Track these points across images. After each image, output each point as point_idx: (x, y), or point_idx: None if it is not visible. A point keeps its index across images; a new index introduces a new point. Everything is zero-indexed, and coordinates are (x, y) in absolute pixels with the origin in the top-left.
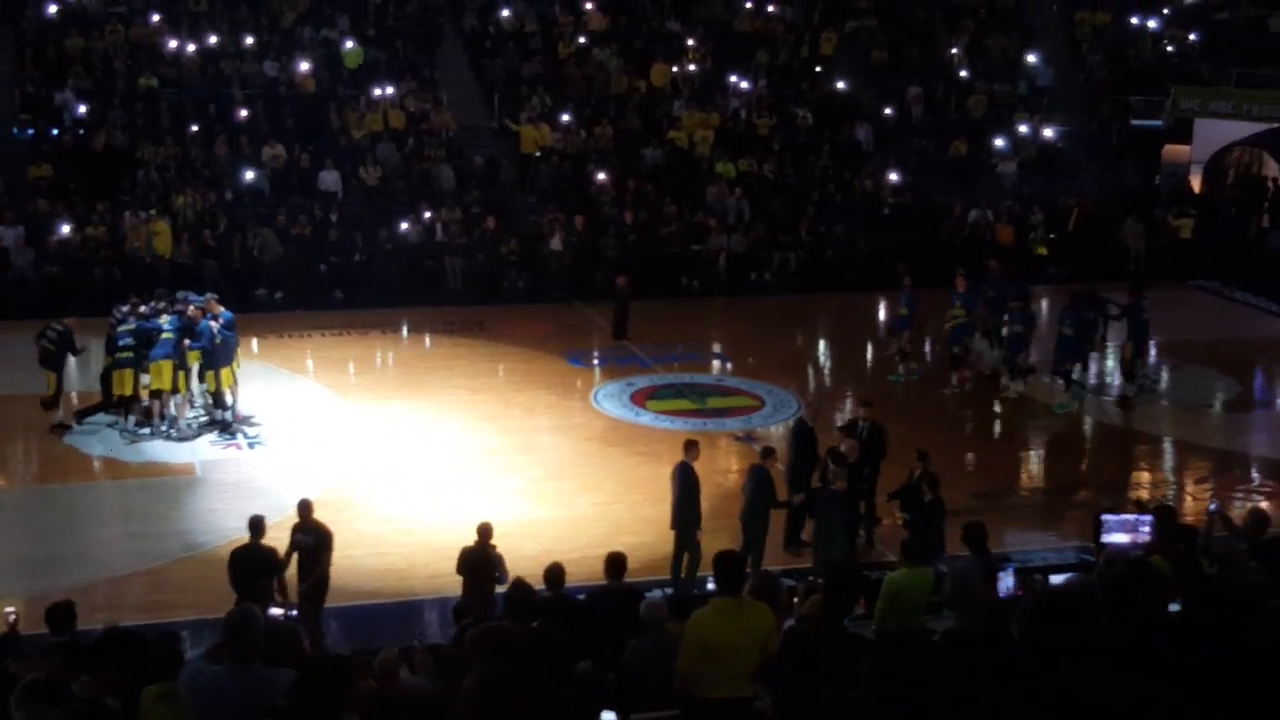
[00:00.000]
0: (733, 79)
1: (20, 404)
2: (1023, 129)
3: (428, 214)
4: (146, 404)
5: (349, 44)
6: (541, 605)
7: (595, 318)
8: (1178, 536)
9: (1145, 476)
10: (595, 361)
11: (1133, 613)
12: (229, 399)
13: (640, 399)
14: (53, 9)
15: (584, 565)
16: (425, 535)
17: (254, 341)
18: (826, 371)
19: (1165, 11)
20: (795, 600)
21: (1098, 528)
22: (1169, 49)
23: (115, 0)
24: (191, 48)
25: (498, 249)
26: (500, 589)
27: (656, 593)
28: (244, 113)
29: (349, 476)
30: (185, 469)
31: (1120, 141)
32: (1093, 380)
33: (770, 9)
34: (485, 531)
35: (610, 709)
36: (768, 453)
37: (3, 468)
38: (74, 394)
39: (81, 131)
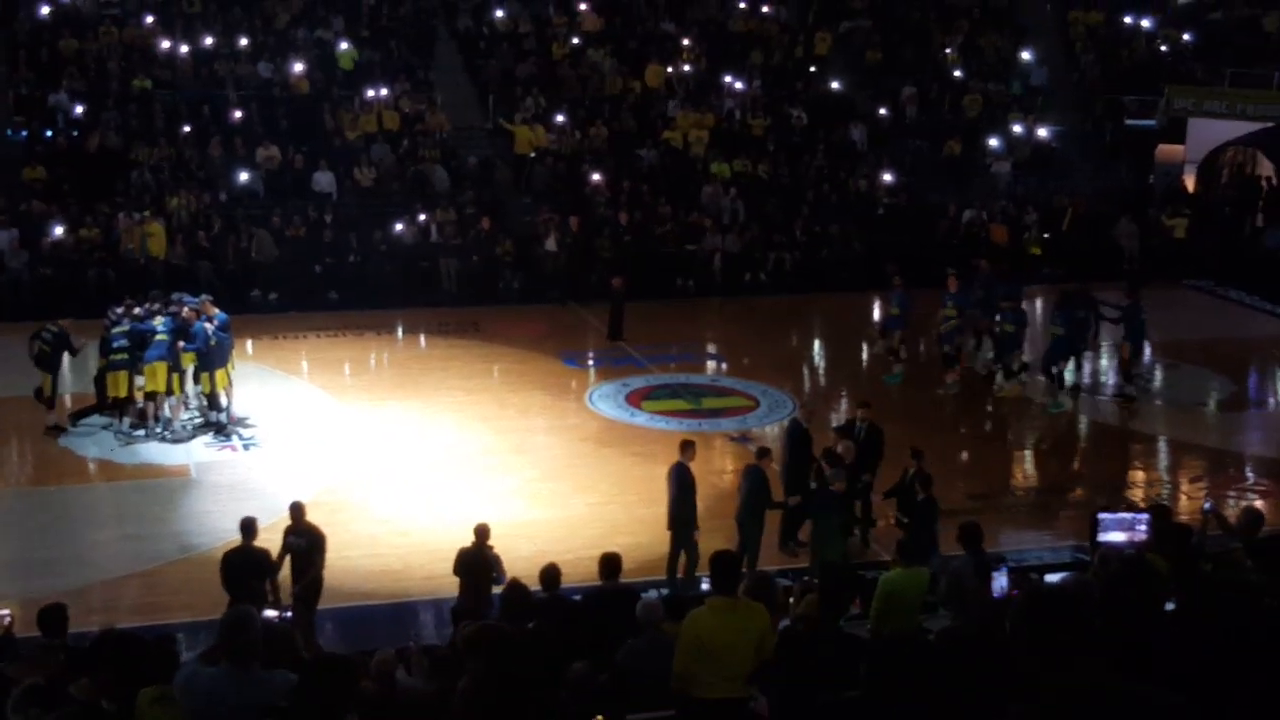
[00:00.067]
0: (727, 79)
1: (15, 406)
2: (1017, 129)
3: (422, 215)
4: (141, 406)
5: (344, 45)
6: (537, 606)
7: (590, 318)
8: (1172, 535)
9: (1140, 476)
10: (590, 362)
11: (1130, 611)
12: (224, 401)
13: (635, 399)
14: (45, 10)
15: (579, 566)
16: (420, 536)
17: (249, 343)
18: (821, 372)
19: (1159, 11)
20: (791, 600)
21: (1095, 526)
22: (1163, 48)
23: (109, 2)
24: (185, 49)
25: (492, 250)
26: (497, 590)
27: (652, 593)
28: (238, 114)
29: (344, 478)
30: (180, 471)
31: (1114, 141)
32: (1087, 380)
33: (765, 9)
34: (482, 532)
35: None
36: (763, 453)
37: None
38: (67, 396)
39: (75, 133)
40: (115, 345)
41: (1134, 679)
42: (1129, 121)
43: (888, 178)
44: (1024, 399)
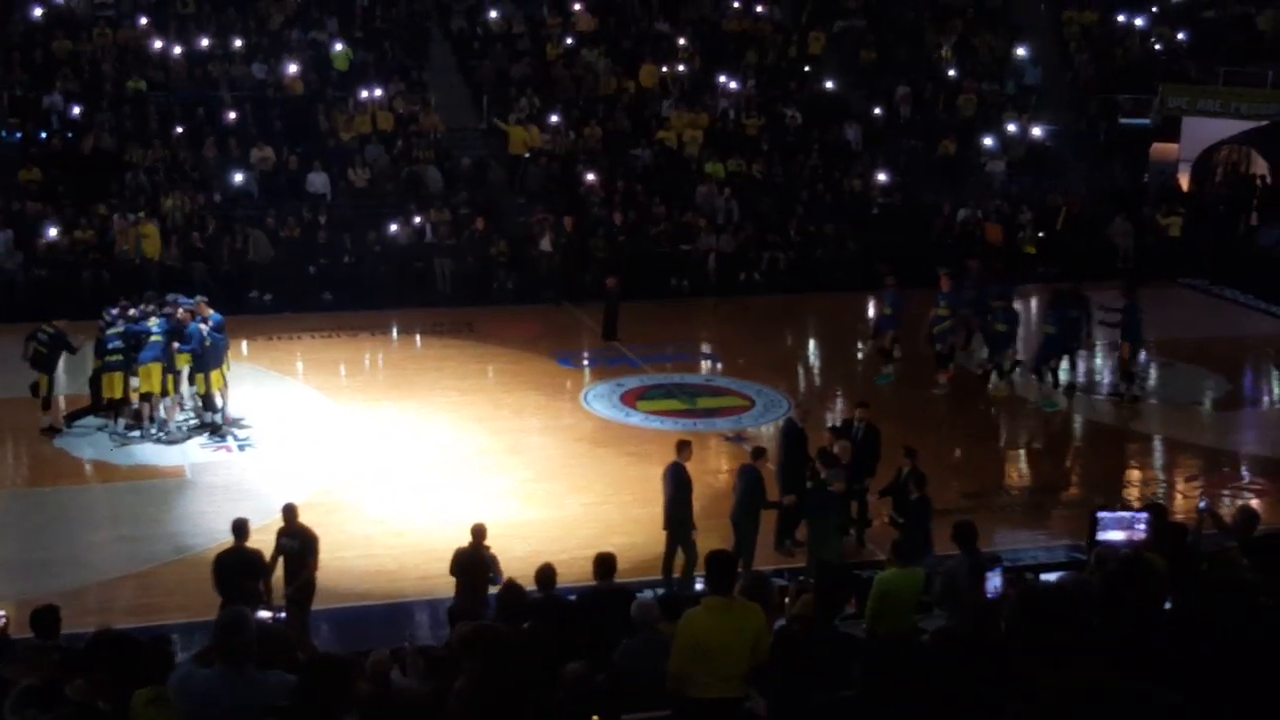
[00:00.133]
0: (721, 79)
1: (11, 408)
2: (1011, 128)
3: (417, 218)
4: (136, 407)
5: (338, 46)
6: (533, 606)
7: (585, 318)
8: (1168, 534)
9: (1135, 475)
10: (585, 362)
11: (1129, 610)
12: (219, 401)
13: (630, 399)
14: (39, 12)
15: (574, 566)
16: (415, 537)
17: (244, 344)
18: (816, 371)
19: (1153, 9)
20: (786, 601)
21: (1093, 525)
22: (1157, 47)
23: (103, 3)
24: (179, 50)
25: (487, 250)
26: (494, 590)
27: (648, 593)
28: (232, 115)
29: (339, 478)
30: (175, 472)
31: (1108, 140)
32: (1081, 378)
33: (759, 9)
34: (479, 533)
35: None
36: (758, 453)
37: None
38: (61, 398)
39: (70, 135)
40: (110, 347)
41: (1132, 678)
42: (1123, 120)
43: (882, 177)
44: (1018, 398)
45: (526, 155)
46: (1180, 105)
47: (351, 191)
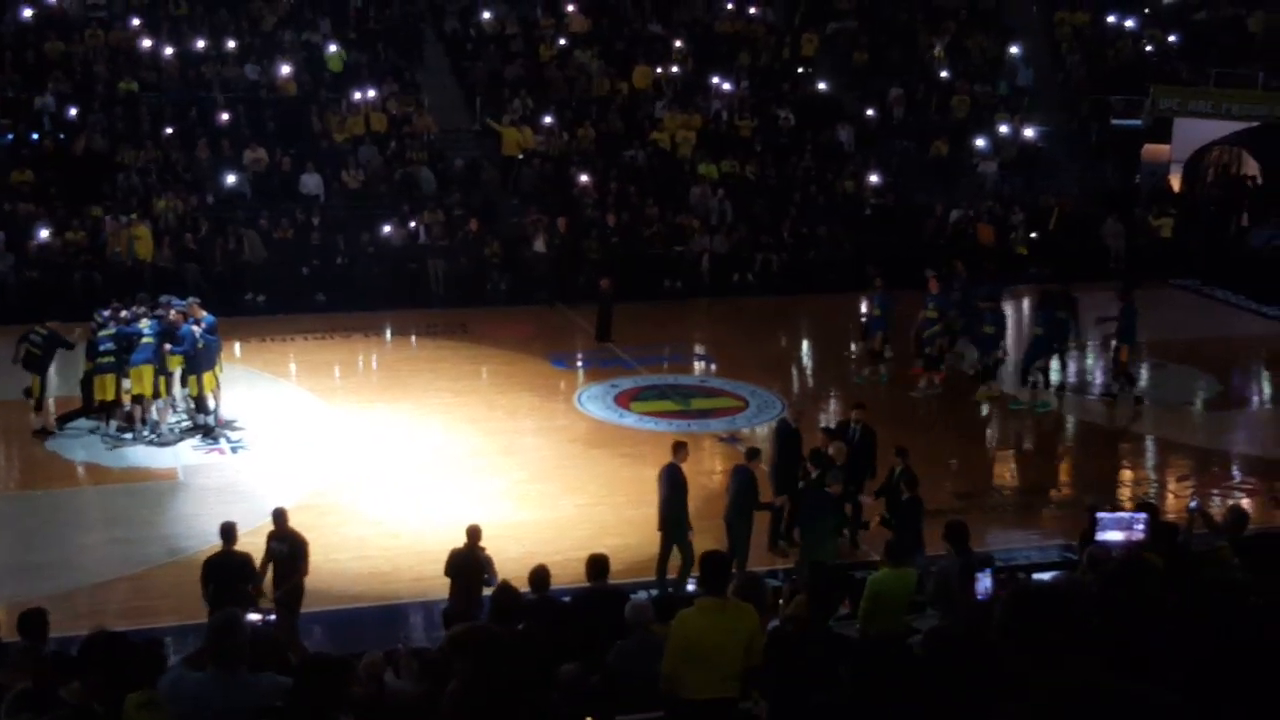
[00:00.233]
0: (714, 80)
1: (3, 410)
2: (1003, 129)
3: (412, 223)
4: (128, 409)
5: (332, 47)
6: (527, 608)
7: (578, 320)
8: (1161, 534)
9: (1127, 474)
10: (579, 363)
11: (1128, 610)
12: (211, 403)
13: (624, 400)
14: (28, 13)
15: (568, 567)
16: (409, 538)
17: (236, 345)
18: (809, 372)
19: (1145, 11)
20: (780, 601)
21: (1092, 525)
22: (1148, 49)
23: (95, 4)
24: (171, 51)
25: (480, 251)
26: (488, 592)
27: (642, 594)
28: (225, 116)
29: (332, 480)
30: (168, 474)
31: (1100, 141)
32: (1072, 379)
33: (752, 11)
34: (474, 533)
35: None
36: (752, 453)
37: None
38: (52, 400)
39: (62, 136)
40: (102, 349)
41: (1125, 677)
42: (1115, 121)
43: (875, 178)
44: (1009, 399)
45: (520, 156)
46: (1172, 106)
47: (345, 193)
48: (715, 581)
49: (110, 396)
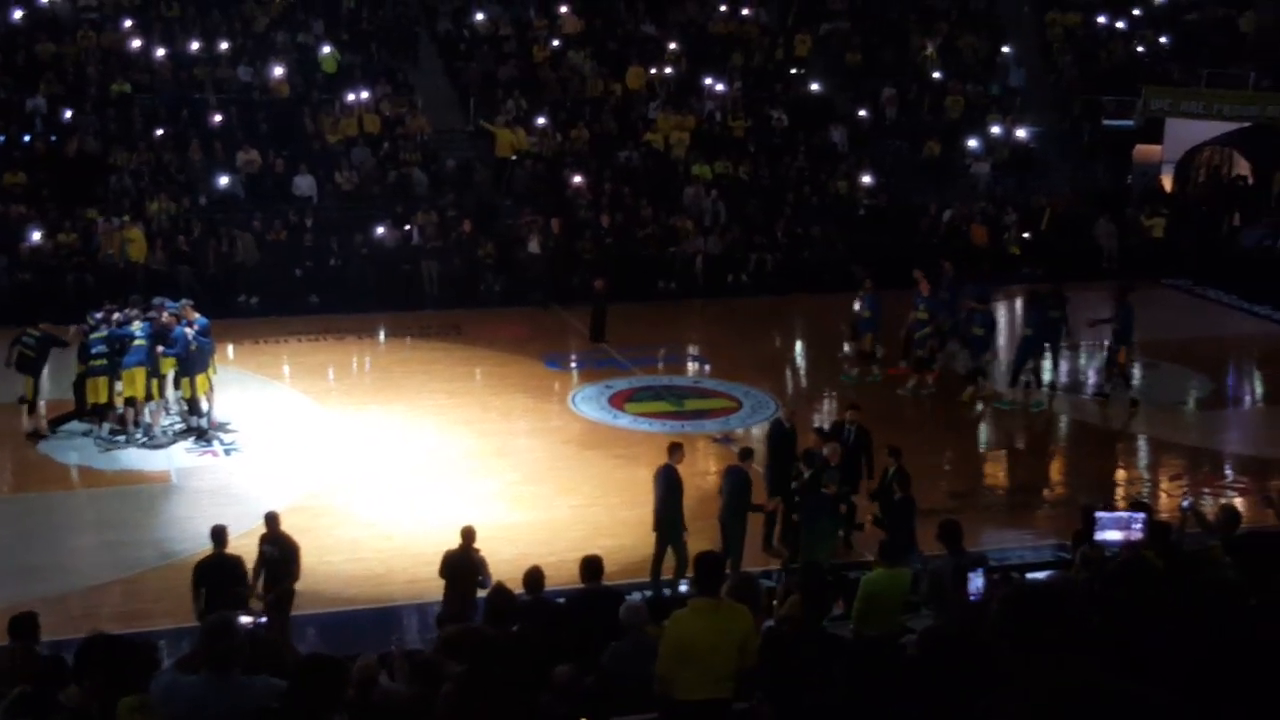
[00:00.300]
0: (708, 81)
1: None
2: (995, 129)
3: (408, 225)
4: (121, 412)
5: (326, 49)
6: (521, 609)
7: (572, 321)
8: (1155, 533)
9: (1119, 474)
10: (573, 364)
11: (1129, 609)
12: (204, 405)
13: (618, 401)
14: (19, 14)
15: (562, 569)
16: (403, 540)
17: (229, 347)
18: (803, 373)
19: (1136, 12)
20: (775, 603)
21: (1091, 525)
22: (1139, 49)
23: (87, 6)
24: (163, 53)
25: (474, 252)
26: (483, 593)
27: (636, 595)
28: (218, 118)
29: (326, 482)
30: (160, 477)
31: (1092, 141)
32: (1064, 379)
33: (745, 11)
34: (468, 535)
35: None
36: (745, 454)
37: None
38: (43, 403)
39: (54, 138)
40: (94, 351)
41: (1120, 676)
42: (1107, 122)
43: (867, 179)
44: (998, 398)
45: (513, 157)
46: (1163, 107)
47: (338, 194)
48: (709, 582)
49: (103, 399)
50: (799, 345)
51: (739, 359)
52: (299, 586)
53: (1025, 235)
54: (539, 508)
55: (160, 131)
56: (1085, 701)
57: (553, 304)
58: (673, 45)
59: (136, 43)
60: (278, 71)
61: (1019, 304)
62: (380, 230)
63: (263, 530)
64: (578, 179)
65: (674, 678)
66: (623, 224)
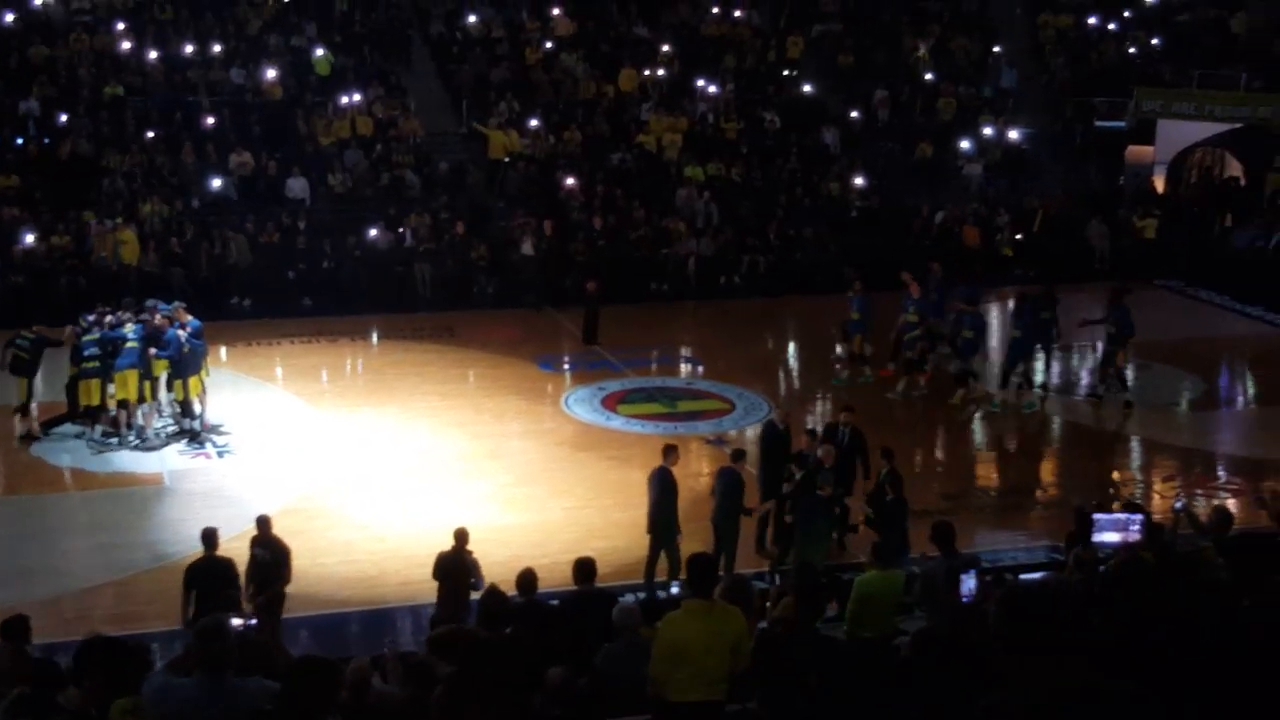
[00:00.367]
0: (700, 83)
1: None
2: (987, 131)
3: (402, 228)
4: (113, 414)
5: (319, 51)
6: (514, 612)
7: (565, 322)
8: (1150, 534)
9: (1112, 475)
10: (565, 366)
11: (1128, 609)
12: (197, 408)
13: (611, 403)
14: (11, 17)
15: (555, 571)
16: (396, 542)
17: (222, 350)
18: (796, 374)
19: (1127, 13)
20: (768, 605)
21: (1087, 526)
22: (1131, 51)
23: (79, 9)
24: (156, 55)
25: (467, 254)
26: (476, 595)
27: (629, 597)
28: (211, 120)
29: (319, 485)
30: (153, 479)
31: (1084, 143)
32: (1056, 380)
33: (737, 14)
34: (461, 536)
35: None
36: (738, 455)
37: None
38: (34, 405)
39: (47, 140)
40: (86, 353)
41: (1115, 676)
42: (1099, 123)
43: (860, 181)
44: (989, 399)
45: (506, 159)
46: (1155, 108)
47: (331, 196)
48: (701, 584)
49: (95, 401)
50: (791, 347)
51: (732, 361)
52: (290, 589)
53: (1018, 237)
54: (532, 510)
55: (153, 134)
56: (1083, 701)
57: (545, 306)
58: (665, 47)
59: (129, 45)
60: (270, 74)
61: (1011, 305)
62: (373, 232)
63: (254, 532)
64: (570, 181)
65: (667, 680)
66: (615, 226)
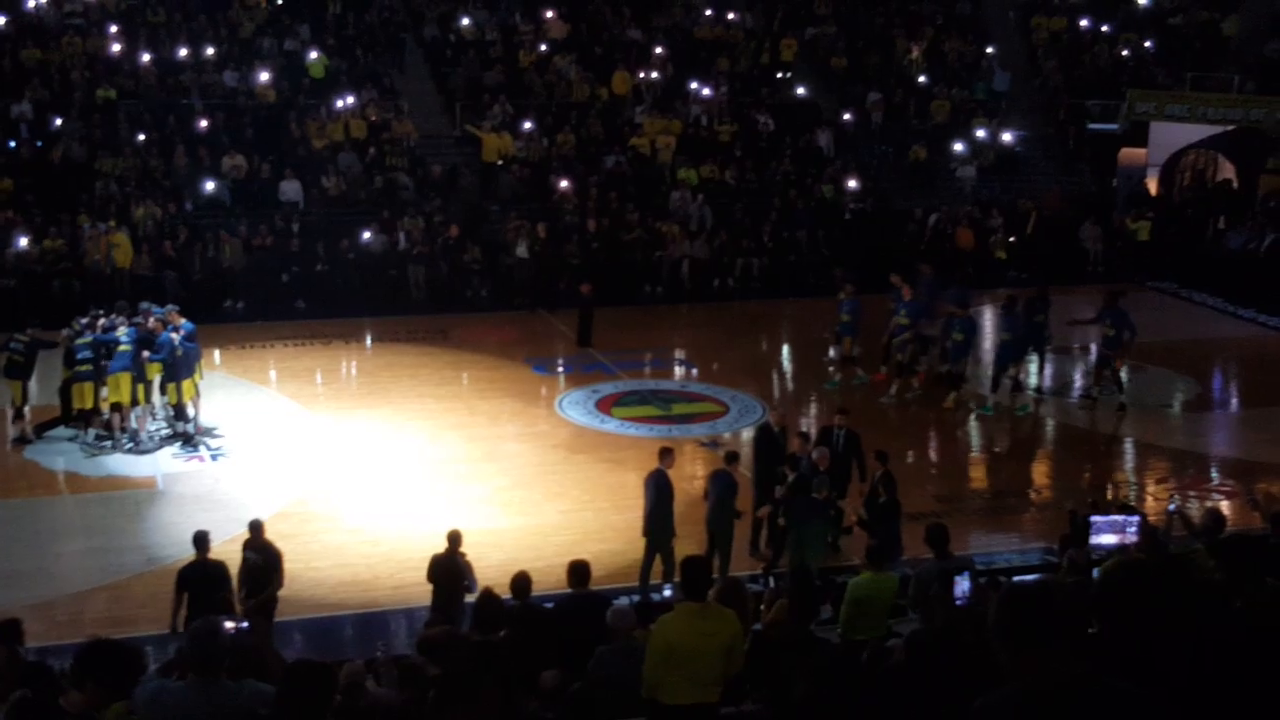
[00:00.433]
0: (694, 86)
1: None
2: (980, 133)
3: (400, 231)
4: (106, 417)
5: (314, 54)
6: (509, 615)
7: (559, 325)
8: (1147, 536)
9: (1106, 477)
10: (560, 369)
11: (1125, 611)
12: (191, 411)
13: (605, 406)
14: (3, 20)
15: (550, 574)
16: (390, 546)
17: (216, 353)
18: (790, 376)
19: (1120, 16)
20: (762, 607)
21: (1078, 529)
22: (1124, 53)
23: (71, 12)
24: (149, 58)
25: (460, 257)
26: (469, 597)
27: (624, 600)
28: (204, 123)
29: (313, 488)
30: (147, 482)
31: (1077, 145)
32: (1048, 383)
33: (731, 16)
34: (454, 539)
35: None
36: (731, 457)
37: None
38: (27, 409)
39: (39, 144)
40: (79, 357)
41: (1111, 675)
42: (1091, 126)
43: (853, 183)
44: (981, 402)
45: (499, 162)
46: (1148, 110)
47: (324, 199)
48: (695, 586)
49: (89, 405)
50: (785, 349)
51: (725, 363)
52: (284, 593)
53: (1011, 239)
54: (527, 512)
55: (146, 137)
56: (1080, 700)
57: (539, 308)
58: (658, 50)
59: (122, 48)
60: (264, 77)
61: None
62: (366, 235)
63: (246, 537)
64: (564, 184)
65: (661, 682)
66: (609, 229)
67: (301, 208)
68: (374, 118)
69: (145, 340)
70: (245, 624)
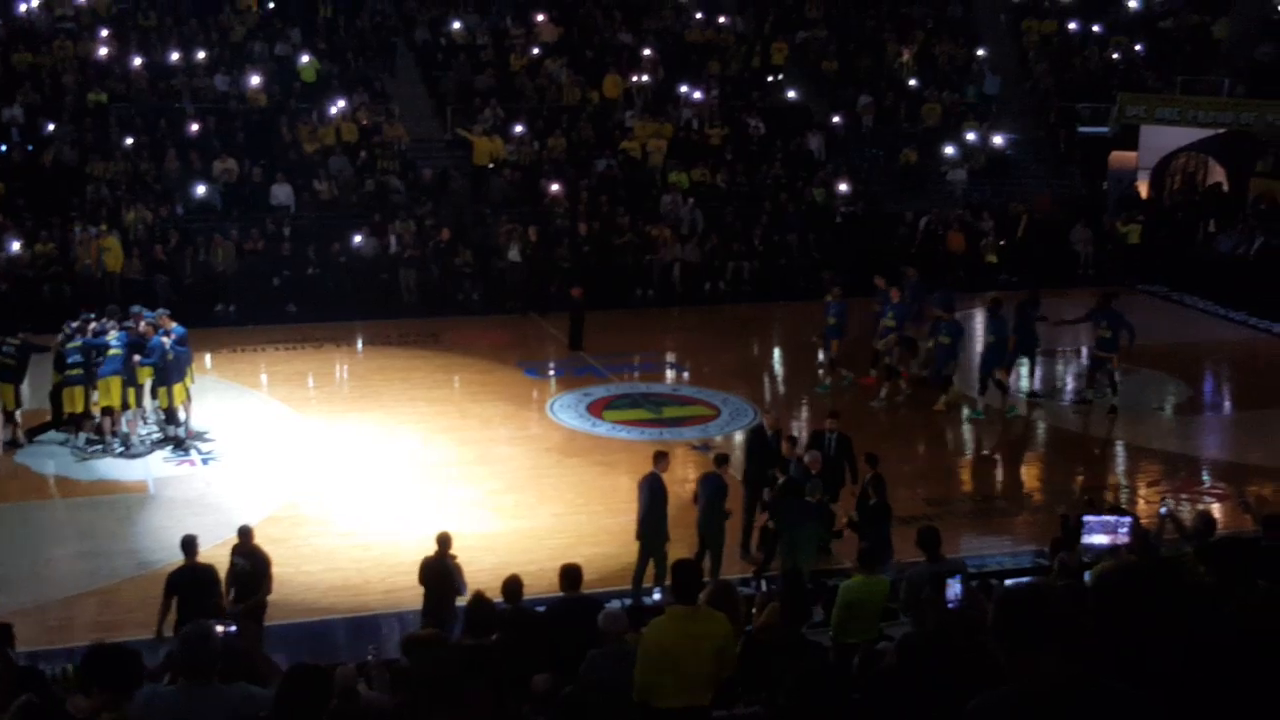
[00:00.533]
0: (684, 89)
1: None
2: (971, 137)
3: (391, 235)
4: (97, 421)
5: (305, 58)
6: (500, 618)
7: (550, 328)
8: (1140, 538)
9: (1097, 480)
10: (551, 372)
11: (1122, 612)
12: (182, 415)
13: (597, 409)
14: None
15: (543, 577)
16: (381, 550)
17: (207, 356)
18: (781, 379)
19: (1110, 20)
20: (754, 610)
21: (1069, 532)
22: (1115, 57)
23: (63, 16)
24: (140, 62)
25: (452, 261)
26: (460, 600)
27: (616, 603)
28: (195, 127)
29: (304, 491)
30: (138, 486)
31: (1068, 148)
32: (1039, 385)
33: (721, 19)
34: (444, 541)
35: None
36: (721, 459)
37: None
38: (18, 413)
39: (30, 148)
40: (70, 361)
41: (1108, 676)
42: (1082, 129)
43: (844, 187)
44: (970, 404)
45: (491, 166)
46: (1138, 114)
47: (315, 203)
48: (685, 590)
49: (79, 409)
50: (777, 353)
51: (717, 367)
52: (274, 597)
53: (1002, 243)
54: (519, 516)
55: (136, 140)
56: (1076, 701)
57: (531, 312)
58: (649, 53)
59: (113, 52)
60: (255, 80)
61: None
62: (358, 239)
63: (235, 542)
64: (555, 187)
65: (652, 685)
66: (600, 232)
67: (293, 211)
68: (365, 121)
69: (136, 344)
70: (234, 628)
